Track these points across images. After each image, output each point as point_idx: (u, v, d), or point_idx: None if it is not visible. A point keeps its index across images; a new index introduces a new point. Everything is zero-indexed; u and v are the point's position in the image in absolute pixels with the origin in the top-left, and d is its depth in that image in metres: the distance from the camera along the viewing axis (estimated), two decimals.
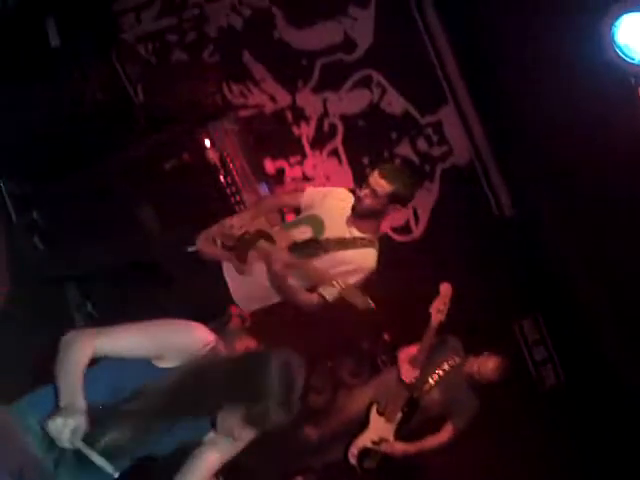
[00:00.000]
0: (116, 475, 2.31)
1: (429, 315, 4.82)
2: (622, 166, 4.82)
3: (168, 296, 3.95)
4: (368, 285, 5.43)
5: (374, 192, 3.89)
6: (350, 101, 6.13)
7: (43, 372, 2.42)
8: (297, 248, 3.92)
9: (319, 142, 6.06)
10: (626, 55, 3.44)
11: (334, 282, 3.67)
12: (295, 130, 6.00)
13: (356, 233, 3.99)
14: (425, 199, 6.28)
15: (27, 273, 3.77)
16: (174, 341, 2.46)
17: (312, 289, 3.91)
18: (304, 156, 6.00)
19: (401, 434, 4.93)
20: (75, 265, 3.89)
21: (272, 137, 5.85)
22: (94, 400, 2.36)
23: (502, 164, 6.40)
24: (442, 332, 4.99)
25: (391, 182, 3.88)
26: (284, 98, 5.96)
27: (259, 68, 5.83)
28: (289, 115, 5.98)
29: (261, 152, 5.55)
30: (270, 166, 5.79)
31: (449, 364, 5.00)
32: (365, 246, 3.99)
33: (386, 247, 5.93)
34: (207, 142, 4.59)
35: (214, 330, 2.61)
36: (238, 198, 4.69)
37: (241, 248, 3.91)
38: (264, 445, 2.73)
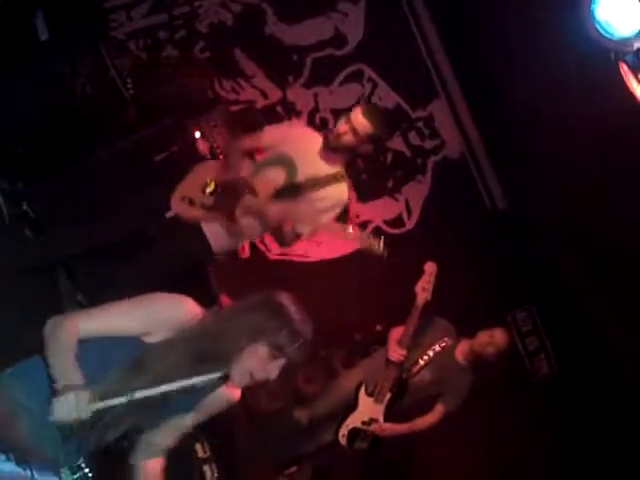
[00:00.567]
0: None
1: (415, 294, 4.86)
2: (609, 145, 4.84)
3: (154, 268, 4.02)
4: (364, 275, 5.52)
5: (355, 130, 3.96)
6: (341, 96, 6.17)
7: (25, 348, 2.45)
8: (278, 194, 4.02)
9: None
10: (606, 31, 3.47)
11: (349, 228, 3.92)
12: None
13: (328, 169, 4.08)
14: (417, 192, 6.33)
15: (18, 263, 3.79)
16: (161, 314, 2.48)
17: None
18: None
19: (391, 415, 4.94)
20: (62, 247, 3.93)
21: None
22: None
23: (494, 156, 6.44)
24: (431, 314, 5.04)
25: (373, 123, 3.98)
26: (275, 93, 6.01)
27: (250, 64, 5.87)
28: (280, 109, 6.02)
29: None
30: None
31: (440, 345, 5.02)
32: (338, 181, 4.09)
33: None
34: (197, 134, 4.66)
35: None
36: None
37: (226, 207, 3.98)
38: (257, 431, 2.74)
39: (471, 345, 5.03)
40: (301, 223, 4.10)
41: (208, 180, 4.04)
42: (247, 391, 2.72)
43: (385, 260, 5.51)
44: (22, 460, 2.35)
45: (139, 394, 2.36)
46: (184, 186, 4.09)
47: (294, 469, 5.17)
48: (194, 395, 2.53)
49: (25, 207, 4.05)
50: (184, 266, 4.12)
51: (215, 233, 4.08)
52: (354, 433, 4.95)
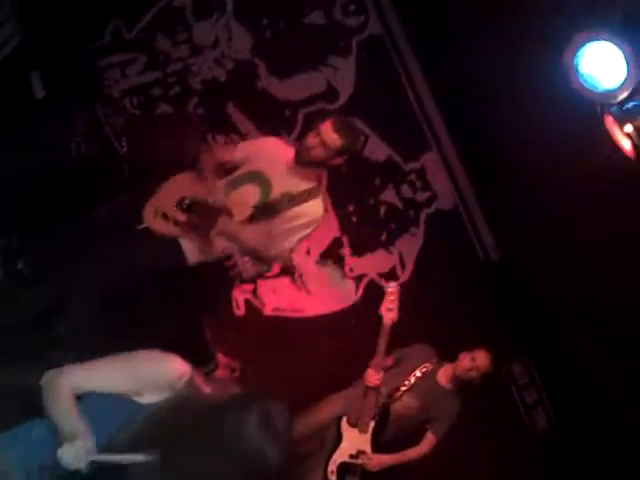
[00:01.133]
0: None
1: (380, 317, 4.91)
2: (597, 196, 4.87)
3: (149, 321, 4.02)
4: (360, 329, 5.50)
5: (324, 144, 3.96)
6: None
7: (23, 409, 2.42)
8: (253, 216, 4.02)
9: None
10: (590, 84, 3.51)
11: None
12: None
13: (302, 185, 4.07)
14: (411, 244, 6.32)
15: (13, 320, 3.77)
16: (148, 373, 2.46)
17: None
18: None
19: (379, 445, 4.90)
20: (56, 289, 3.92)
21: None
22: None
23: (486, 208, 6.46)
24: (410, 340, 5.15)
25: (343, 136, 3.97)
26: None
27: (243, 119, 5.88)
28: None
29: None
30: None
31: (421, 371, 5.01)
32: (313, 197, 4.08)
33: (373, 293, 6.08)
34: None
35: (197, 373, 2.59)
36: None
37: (201, 227, 3.96)
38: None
39: (454, 369, 5.04)
40: (278, 242, 4.10)
41: (183, 196, 3.92)
42: None
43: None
44: None
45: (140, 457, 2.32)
46: (158, 198, 4.06)
47: None
48: None
49: (20, 264, 4.02)
50: (179, 321, 4.11)
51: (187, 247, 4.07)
52: (343, 468, 4.88)
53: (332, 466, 4.88)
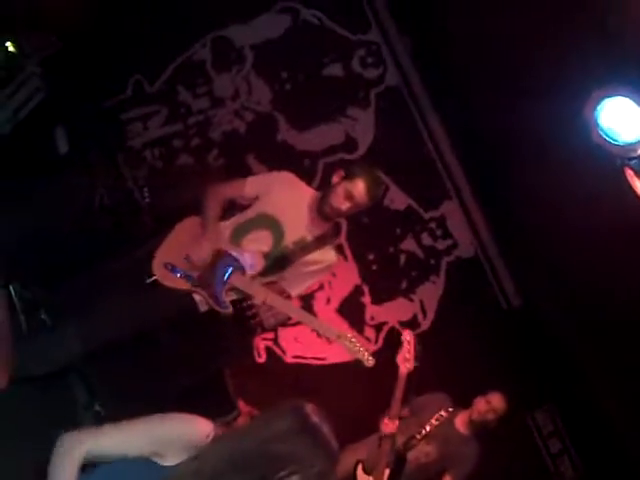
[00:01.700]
0: None
1: (396, 367, 4.84)
2: (617, 247, 4.86)
3: (169, 373, 4.01)
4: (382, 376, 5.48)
5: (354, 202, 3.89)
6: None
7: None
8: (265, 271, 3.98)
9: None
10: (610, 137, 3.54)
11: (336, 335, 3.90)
12: None
13: (316, 231, 4.01)
14: (432, 292, 6.32)
15: (35, 370, 3.78)
16: (171, 435, 2.40)
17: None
18: None
19: None
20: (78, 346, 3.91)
21: None
22: None
23: (507, 255, 6.45)
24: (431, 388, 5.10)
25: (374, 198, 3.94)
26: None
27: (263, 169, 5.96)
28: None
29: None
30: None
31: (437, 419, 4.95)
32: (326, 243, 4.04)
33: (394, 342, 6.07)
34: None
35: (220, 427, 2.58)
36: None
37: (211, 286, 3.89)
38: None
39: (470, 414, 5.00)
40: (288, 288, 4.10)
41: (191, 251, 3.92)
42: None
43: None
44: None
45: None
46: (167, 249, 3.98)
47: None
48: None
49: (42, 314, 4.06)
50: (200, 373, 4.10)
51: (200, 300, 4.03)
52: None
53: None
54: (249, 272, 3.95)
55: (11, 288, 4.13)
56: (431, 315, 6.28)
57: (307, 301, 5.92)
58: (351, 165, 4.17)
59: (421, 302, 6.29)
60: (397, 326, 6.16)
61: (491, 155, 6.15)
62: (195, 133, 5.88)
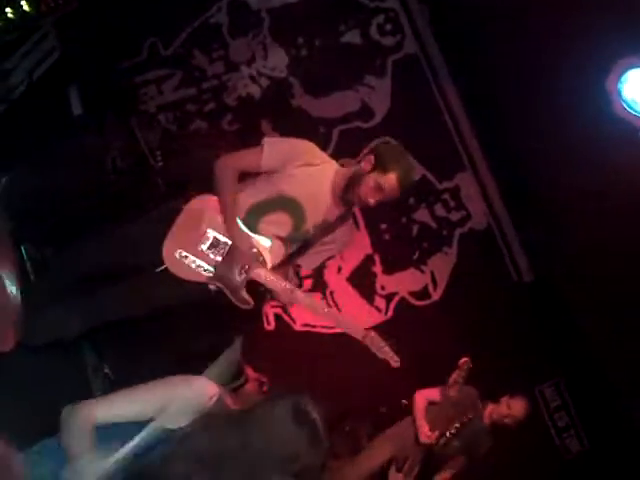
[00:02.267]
0: None
1: (447, 385, 4.91)
2: (636, 221, 4.81)
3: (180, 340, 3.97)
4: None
5: (384, 194, 3.70)
6: None
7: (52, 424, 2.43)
8: (286, 261, 3.86)
9: None
10: (633, 109, 3.49)
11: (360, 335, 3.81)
12: None
13: (336, 212, 3.81)
14: (443, 263, 6.30)
15: (44, 336, 3.77)
16: (176, 396, 2.43)
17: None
18: None
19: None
20: (92, 315, 3.82)
21: None
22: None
23: (520, 228, 6.42)
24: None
25: (405, 191, 3.75)
26: None
27: (277, 136, 5.92)
28: None
29: None
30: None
31: (467, 416, 4.96)
32: (345, 221, 3.89)
33: (404, 312, 6.06)
34: None
35: (227, 392, 2.58)
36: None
37: (229, 280, 3.69)
38: None
39: (491, 412, 4.99)
40: (304, 265, 4.05)
41: (204, 233, 3.68)
42: None
43: (412, 333, 5.54)
44: None
45: None
46: (177, 235, 3.66)
47: None
48: None
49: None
50: (208, 339, 4.09)
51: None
52: None
53: None
54: (269, 262, 3.77)
55: (22, 249, 4.14)
56: (442, 286, 6.26)
57: (318, 270, 5.91)
58: (382, 151, 3.82)
59: (432, 273, 6.27)
60: (407, 296, 6.16)
61: (508, 126, 6.08)
62: (209, 98, 5.85)
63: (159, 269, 3.65)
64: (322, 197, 3.78)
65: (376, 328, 5.82)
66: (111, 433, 2.43)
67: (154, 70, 5.72)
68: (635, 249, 5.07)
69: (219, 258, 3.67)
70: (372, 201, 3.72)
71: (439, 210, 6.38)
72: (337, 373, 5.46)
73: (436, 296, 6.24)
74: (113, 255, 3.77)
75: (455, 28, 6.26)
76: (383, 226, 6.18)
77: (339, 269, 5.99)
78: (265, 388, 5.14)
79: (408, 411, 5.16)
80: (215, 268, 3.67)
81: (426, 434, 4.84)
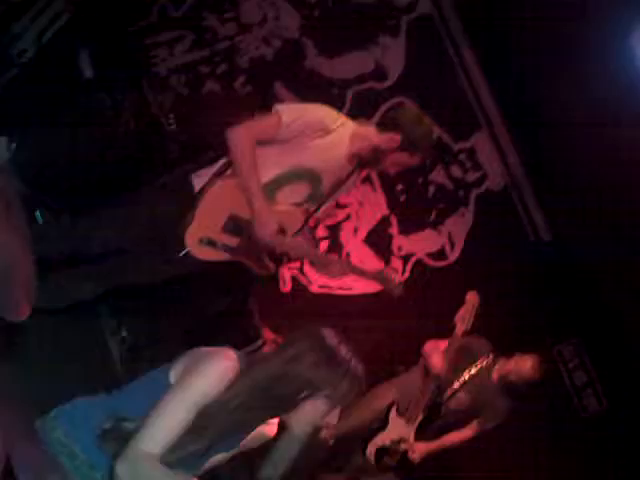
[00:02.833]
0: None
1: (454, 324, 4.80)
2: None
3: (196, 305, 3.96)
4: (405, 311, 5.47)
5: (405, 167, 3.79)
6: None
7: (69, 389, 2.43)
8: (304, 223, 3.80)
9: None
10: None
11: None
12: None
13: (349, 168, 3.79)
14: (460, 224, 6.27)
15: (60, 298, 3.77)
16: (205, 386, 2.39)
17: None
18: None
19: (422, 435, 4.85)
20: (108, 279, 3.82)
21: None
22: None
23: (537, 188, 6.36)
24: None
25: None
26: None
27: (290, 97, 5.86)
28: None
29: None
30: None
31: (477, 367, 4.92)
32: (355, 174, 3.87)
33: (422, 273, 6.05)
34: None
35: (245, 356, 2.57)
36: None
37: (253, 253, 3.72)
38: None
39: (499, 368, 4.96)
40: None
41: (228, 214, 3.64)
42: None
43: (429, 294, 5.53)
44: None
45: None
46: (200, 220, 3.59)
47: None
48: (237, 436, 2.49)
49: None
50: (226, 304, 4.09)
51: None
52: (382, 451, 4.83)
53: (372, 448, 4.84)
54: (289, 231, 3.74)
55: (37, 214, 4.14)
56: (459, 247, 6.24)
57: (334, 232, 5.90)
58: (409, 130, 3.73)
59: (449, 234, 6.24)
60: (424, 257, 6.14)
61: (525, 85, 6.01)
62: (221, 59, 5.79)
63: (182, 253, 3.62)
64: (338, 161, 3.76)
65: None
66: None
67: (165, 32, 5.67)
68: None
69: (243, 238, 3.67)
70: (391, 172, 3.84)
71: (455, 171, 6.33)
72: (353, 334, 5.43)
73: (453, 257, 6.22)
74: (129, 233, 3.74)
75: None
76: (399, 187, 6.14)
77: (355, 230, 5.97)
78: None
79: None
80: (238, 246, 3.68)
81: (436, 364, 4.74)
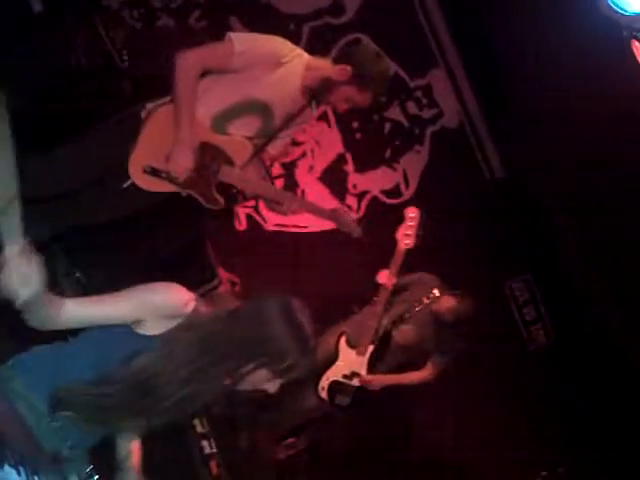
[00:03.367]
0: None
1: (395, 241, 4.81)
2: (615, 119, 4.79)
3: (150, 245, 3.94)
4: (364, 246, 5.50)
5: (355, 105, 3.73)
6: None
7: (25, 337, 2.43)
8: (253, 155, 3.77)
9: None
10: (618, 7, 3.41)
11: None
12: None
13: (301, 101, 3.75)
14: (415, 162, 6.30)
15: None
16: (151, 301, 2.41)
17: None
18: None
19: (376, 370, 4.85)
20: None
21: None
22: (80, 378, 2.34)
23: (492, 126, 6.40)
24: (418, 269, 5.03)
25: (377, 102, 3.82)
26: None
27: (246, 33, 5.79)
28: None
29: None
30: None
31: (423, 301, 4.95)
32: (308, 107, 3.82)
33: (376, 210, 6.09)
34: None
35: (202, 296, 2.59)
36: None
37: (201, 185, 3.66)
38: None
39: (437, 305, 4.94)
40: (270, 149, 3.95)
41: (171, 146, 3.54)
42: None
43: (384, 231, 5.56)
44: (32, 471, 2.31)
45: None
46: (143, 148, 3.56)
47: (291, 440, 5.18)
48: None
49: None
50: (181, 243, 4.07)
51: None
52: (335, 387, 4.85)
53: (324, 383, 4.85)
54: (236, 162, 3.72)
55: None
56: (414, 185, 6.28)
57: (289, 169, 5.90)
58: (361, 64, 3.68)
59: (404, 171, 6.27)
60: (379, 194, 6.17)
61: (482, 21, 5.99)
62: None
63: (126, 184, 3.59)
64: (291, 94, 3.71)
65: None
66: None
67: None
68: (607, 147, 5.09)
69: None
70: (340, 108, 3.76)
71: (411, 108, 6.32)
72: (308, 272, 5.51)
73: (408, 194, 6.26)
74: (80, 172, 3.69)
75: None
76: (355, 124, 6.12)
77: (310, 168, 5.97)
78: (238, 288, 5.21)
79: None
80: (184, 178, 3.63)
81: (384, 275, 4.77)
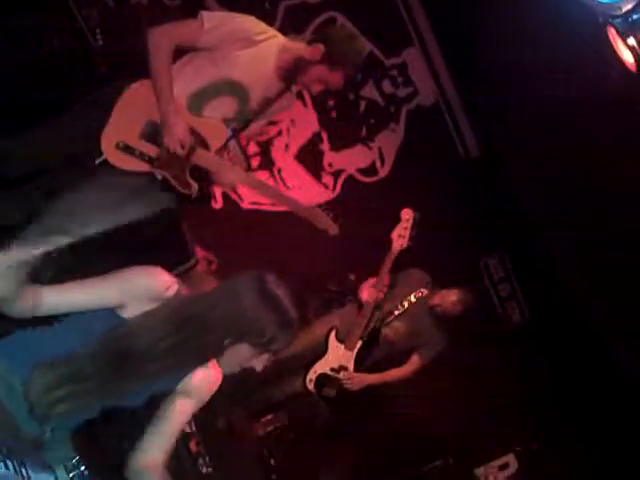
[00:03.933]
0: None
1: (390, 241, 4.88)
2: (589, 105, 4.83)
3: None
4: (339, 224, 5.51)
5: (327, 86, 3.74)
6: None
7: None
8: (229, 139, 3.78)
9: None
10: None
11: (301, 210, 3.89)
12: None
13: (278, 85, 3.76)
14: (391, 140, 6.32)
15: None
16: (134, 286, 2.41)
17: None
18: None
19: (362, 364, 4.94)
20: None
21: None
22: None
23: (467, 105, 6.42)
24: (408, 264, 5.08)
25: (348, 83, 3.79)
26: None
27: (222, 12, 5.76)
28: None
29: None
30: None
31: (415, 296, 5.05)
32: (286, 92, 3.83)
33: (352, 189, 6.11)
34: None
35: (179, 276, 2.60)
36: None
37: (175, 168, 3.64)
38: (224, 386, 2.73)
39: (431, 300, 5.07)
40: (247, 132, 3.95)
41: (144, 120, 3.55)
42: None
43: (360, 210, 5.59)
44: (19, 463, 2.33)
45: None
46: (116, 123, 3.53)
47: (270, 417, 5.23)
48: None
49: None
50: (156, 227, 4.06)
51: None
52: (322, 379, 4.94)
53: (312, 375, 4.95)
54: (212, 145, 3.71)
55: None
56: (389, 163, 6.30)
57: (265, 147, 5.90)
58: (333, 43, 3.69)
59: (380, 150, 6.29)
60: (355, 173, 6.20)
61: (458, 1, 5.99)
62: None
63: (98, 161, 3.56)
64: (266, 75, 3.71)
65: (324, 205, 5.99)
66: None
67: None
68: (583, 125, 5.11)
69: (162, 149, 3.60)
70: (312, 90, 3.76)
71: (386, 86, 6.34)
72: (285, 251, 5.53)
73: (383, 173, 6.29)
74: (49, 151, 3.66)
75: None
76: (330, 103, 6.13)
77: (286, 147, 5.98)
78: (214, 267, 5.23)
79: (355, 287, 5.25)
80: (158, 156, 3.62)
81: (369, 293, 4.84)
